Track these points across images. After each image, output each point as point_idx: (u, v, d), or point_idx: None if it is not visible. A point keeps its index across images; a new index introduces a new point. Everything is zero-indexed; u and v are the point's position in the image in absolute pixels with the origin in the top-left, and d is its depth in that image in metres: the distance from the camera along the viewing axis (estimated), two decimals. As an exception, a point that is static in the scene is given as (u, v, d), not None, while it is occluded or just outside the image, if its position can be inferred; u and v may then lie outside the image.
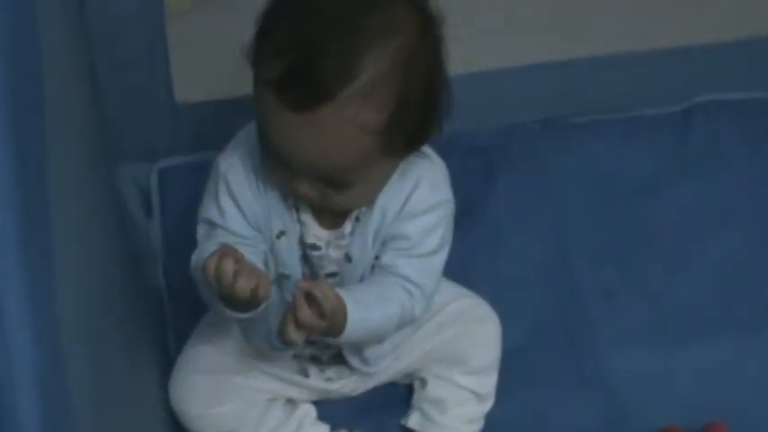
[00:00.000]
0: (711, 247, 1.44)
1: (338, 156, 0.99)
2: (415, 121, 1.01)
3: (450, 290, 1.27)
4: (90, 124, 1.12)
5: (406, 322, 1.14)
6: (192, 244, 1.38)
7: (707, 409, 1.31)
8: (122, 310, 1.12)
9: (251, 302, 1.01)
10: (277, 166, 1.03)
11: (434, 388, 1.28)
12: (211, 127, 1.45)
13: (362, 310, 1.06)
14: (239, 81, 1.40)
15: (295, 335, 1.00)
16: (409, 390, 1.31)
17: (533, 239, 1.44)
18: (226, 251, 1.00)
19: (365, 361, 1.22)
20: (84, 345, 0.84)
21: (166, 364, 1.29)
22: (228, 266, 0.99)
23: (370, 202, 1.08)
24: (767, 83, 1.56)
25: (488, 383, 1.28)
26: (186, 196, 1.43)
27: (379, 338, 1.17)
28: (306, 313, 0.99)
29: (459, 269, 1.20)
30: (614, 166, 1.50)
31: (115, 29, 1.33)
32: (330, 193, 1.03)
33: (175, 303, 1.37)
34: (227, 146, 1.12)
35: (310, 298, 1.00)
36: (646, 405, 1.32)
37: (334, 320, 1.02)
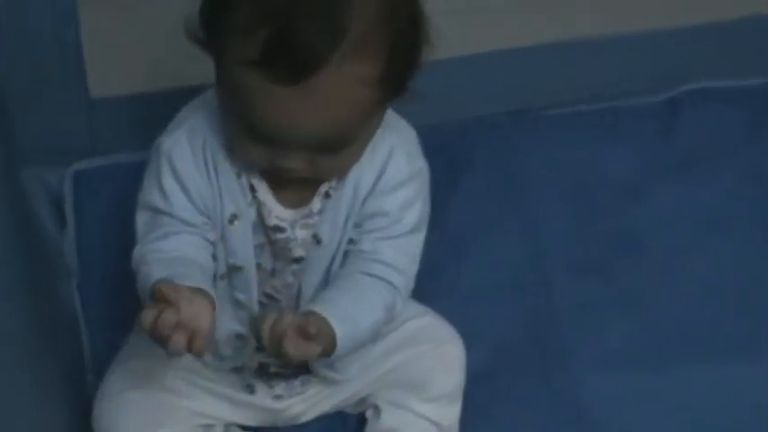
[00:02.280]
0: (701, 256, 1.47)
1: (341, 118, 1.05)
2: (407, 61, 1.07)
3: (409, 306, 1.28)
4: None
5: (388, 323, 1.19)
6: (111, 256, 1.42)
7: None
8: (24, 332, 1.13)
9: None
10: (258, 146, 1.07)
11: (389, 417, 1.30)
12: (133, 125, 1.48)
13: (351, 324, 1.11)
14: (163, 72, 1.43)
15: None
16: (360, 420, 1.33)
17: (501, 249, 1.47)
18: (166, 302, 1.03)
19: (332, 367, 1.25)
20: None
21: (79, 388, 1.32)
22: (168, 322, 1.02)
23: (358, 159, 1.12)
24: (764, 68, 1.60)
25: (450, 413, 1.30)
26: (104, 203, 1.46)
27: (364, 347, 1.21)
28: (296, 346, 1.04)
29: (418, 283, 1.23)
30: (592, 164, 1.53)
31: (22, 13, 1.35)
32: (323, 158, 1.08)
33: (91, 322, 1.39)
34: (169, 126, 1.16)
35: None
36: (628, 436, 1.34)
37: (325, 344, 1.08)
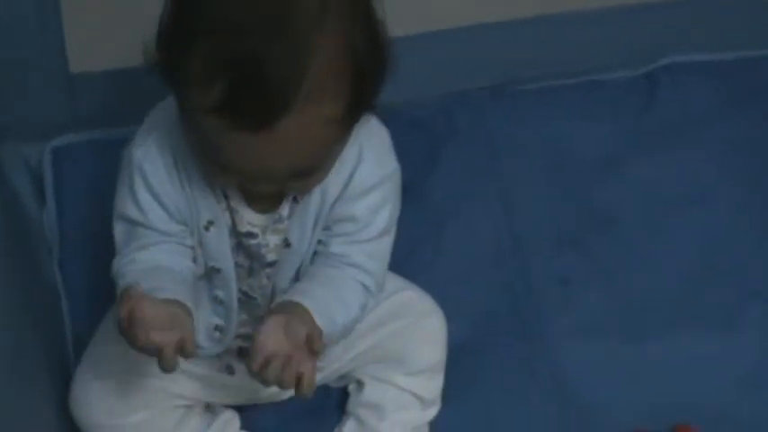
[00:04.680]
0: (676, 229, 1.50)
1: (309, 154, 1.05)
2: (370, 90, 1.06)
3: (390, 281, 1.30)
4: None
5: (361, 320, 1.21)
6: (92, 232, 1.43)
7: (674, 409, 1.38)
8: (4, 308, 1.15)
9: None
10: (225, 174, 1.08)
11: (372, 391, 1.33)
12: (112, 100, 1.49)
13: (329, 322, 1.12)
14: (145, 47, 1.43)
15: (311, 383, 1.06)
16: (344, 394, 1.36)
17: (481, 223, 1.50)
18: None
19: None
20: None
21: (63, 368, 1.34)
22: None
23: (326, 177, 1.12)
24: (741, 41, 1.63)
25: (433, 386, 1.34)
26: (85, 179, 1.48)
27: (336, 343, 1.23)
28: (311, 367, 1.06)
29: (398, 258, 1.25)
30: (570, 139, 1.56)
31: (1, -13, 1.36)
32: (292, 182, 1.09)
33: (73, 300, 1.41)
34: (137, 132, 1.16)
35: None
36: (608, 406, 1.38)
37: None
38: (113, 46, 1.43)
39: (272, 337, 1.07)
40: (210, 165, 1.08)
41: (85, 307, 1.39)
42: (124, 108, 1.46)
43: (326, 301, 1.13)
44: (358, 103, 1.05)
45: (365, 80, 1.05)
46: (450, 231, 1.49)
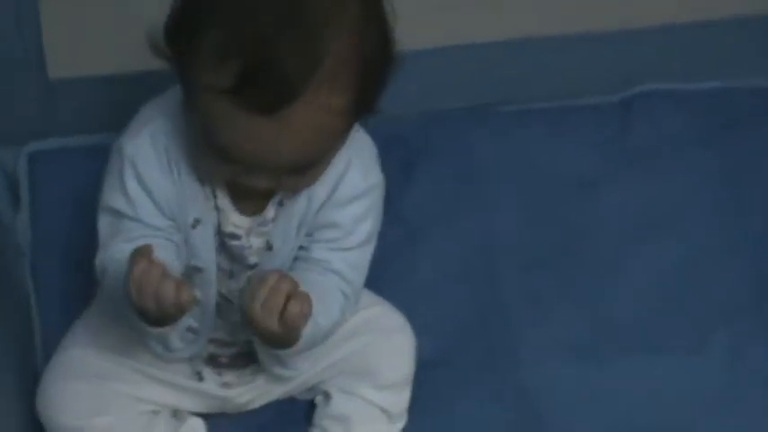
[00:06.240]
0: (650, 252, 1.52)
1: (310, 146, 1.07)
2: (377, 86, 1.10)
3: (361, 295, 1.31)
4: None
5: (338, 327, 1.23)
6: (66, 237, 1.45)
7: (643, 429, 1.40)
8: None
9: (171, 314, 1.06)
10: (222, 164, 1.09)
11: (339, 403, 1.34)
12: (90, 106, 1.51)
13: (312, 323, 1.12)
14: (123, 55, 1.45)
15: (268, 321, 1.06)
16: (311, 406, 1.38)
17: (454, 240, 1.52)
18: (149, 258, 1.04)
19: (284, 365, 1.28)
20: None
21: (31, 370, 1.35)
22: (156, 273, 1.04)
23: (321, 176, 1.15)
24: (716, 71, 1.66)
25: (400, 401, 1.35)
26: (60, 185, 1.50)
27: (314, 347, 1.24)
28: (297, 310, 1.06)
29: (370, 272, 1.26)
30: (545, 160, 1.59)
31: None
32: (287, 179, 1.11)
33: (44, 304, 1.43)
34: (129, 126, 1.17)
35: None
36: (573, 425, 1.40)
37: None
38: (92, 52, 1.45)
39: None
40: (210, 155, 1.09)
41: (56, 311, 1.40)
42: (101, 114, 1.48)
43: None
44: (363, 100, 1.08)
45: (372, 77, 1.08)
46: (422, 247, 1.51)
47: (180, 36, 1.07)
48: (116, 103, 1.37)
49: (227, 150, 1.07)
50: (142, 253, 1.05)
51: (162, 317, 1.06)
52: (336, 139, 1.10)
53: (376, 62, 1.08)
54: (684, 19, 1.60)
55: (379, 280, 1.36)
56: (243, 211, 1.18)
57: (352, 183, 1.18)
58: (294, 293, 1.07)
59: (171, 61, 1.09)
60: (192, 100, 1.09)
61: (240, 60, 1.02)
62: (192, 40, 1.05)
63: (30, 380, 1.32)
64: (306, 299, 1.07)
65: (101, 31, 1.44)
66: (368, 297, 1.35)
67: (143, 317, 1.08)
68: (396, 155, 1.55)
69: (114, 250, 1.14)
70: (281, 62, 1.02)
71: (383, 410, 1.34)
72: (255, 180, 1.10)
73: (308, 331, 1.12)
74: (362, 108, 1.10)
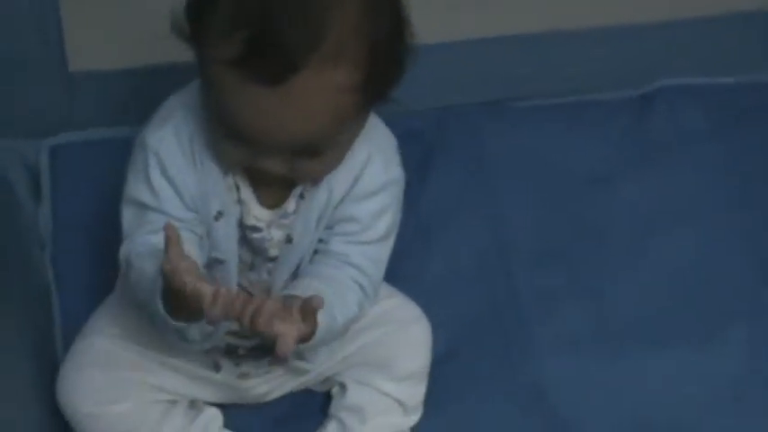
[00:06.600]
0: (663, 247, 1.54)
1: (318, 123, 1.08)
2: (388, 66, 1.10)
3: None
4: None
5: (357, 321, 1.24)
6: (86, 229, 1.46)
7: (654, 424, 1.41)
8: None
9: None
10: (237, 145, 1.10)
11: (355, 394, 1.35)
12: (111, 99, 1.52)
13: (329, 317, 1.15)
14: (143, 48, 1.46)
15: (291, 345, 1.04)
16: (326, 398, 1.39)
17: (469, 235, 1.53)
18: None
19: (300, 356, 1.29)
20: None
21: (50, 359, 1.37)
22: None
23: (338, 165, 1.15)
24: (730, 67, 1.67)
25: (416, 393, 1.37)
26: (80, 177, 1.51)
27: (332, 341, 1.25)
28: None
29: (386, 265, 1.26)
30: (559, 156, 1.60)
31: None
32: (301, 162, 1.11)
33: (64, 295, 1.45)
34: (152, 119, 1.19)
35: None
36: (587, 419, 1.42)
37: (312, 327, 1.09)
38: (113, 45, 1.46)
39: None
40: (225, 137, 1.10)
41: (76, 301, 1.42)
42: (122, 107, 1.50)
43: (327, 298, 1.13)
44: (374, 81, 1.08)
45: (383, 57, 1.08)
46: (437, 242, 1.52)
47: (196, 11, 1.09)
48: (136, 96, 1.38)
49: (237, 127, 1.08)
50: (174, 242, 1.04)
51: (188, 309, 1.05)
52: (345, 119, 1.10)
53: (387, 41, 1.08)
54: (697, 14, 1.61)
55: (393, 274, 1.36)
56: (264, 203, 1.19)
57: (373, 177, 1.19)
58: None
59: (190, 40, 1.10)
60: (205, 75, 1.10)
61: (246, 31, 1.04)
62: (205, 15, 1.07)
63: (49, 368, 1.34)
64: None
65: (121, 24, 1.44)
66: (384, 289, 1.35)
67: (169, 306, 1.08)
68: (410, 150, 1.55)
69: (138, 242, 1.16)
70: (285, 33, 1.03)
71: (399, 402, 1.35)
72: (268, 163, 1.11)
73: (323, 326, 1.12)
74: (374, 90, 1.09)
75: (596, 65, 1.63)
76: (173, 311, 1.09)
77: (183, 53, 1.15)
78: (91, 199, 1.47)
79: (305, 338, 1.10)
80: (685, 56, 1.65)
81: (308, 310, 1.05)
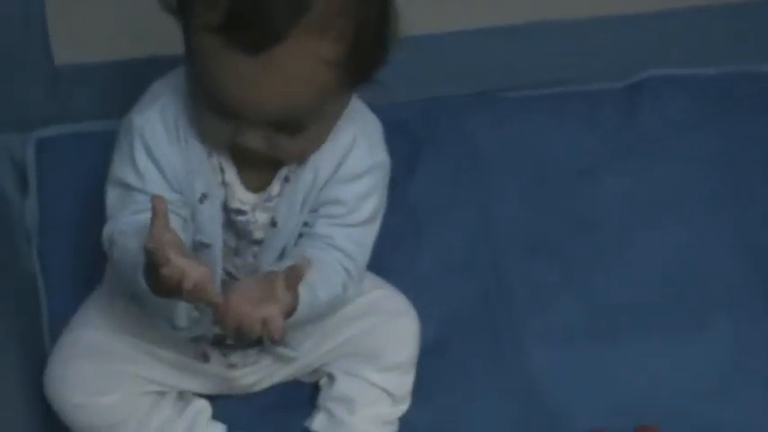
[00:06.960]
0: (653, 238, 1.54)
1: (299, 96, 1.08)
2: (373, 44, 1.10)
3: (365, 279, 1.33)
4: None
5: (342, 305, 1.25)
6: (73, 222, 1.46)
7: (640, 412, 1.42)
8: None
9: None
10: (219, 120, 1.11)
11: (343, 385, 1.36)
12: (97, 92, 1.52)
13: (310, 293, 1.15)
14: (129, 41, 1.46)
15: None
16: (315, 389, 1.40)
17: (458, 226, 1.54)
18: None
19: (287, 344, 1.30)
20: None
21: (38, 351, 1.37)
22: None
23: (320, 144, 1.16)
24: (718, 57, 1.67)
25: (404, 383, 1.37)
26: (67, 171, 1.52)
27: (316, 322, 1.26)
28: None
29: (374, 258, 1.28)
30: (549, 147, 1.60)
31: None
32: (281, 139, 1.11)
33: (51, 288, 1.45)
34: (139, 101, 1.19)
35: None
36: (575, 408, 1.42)
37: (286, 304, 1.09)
38: (98, 38, 1.46)
39: (243, 286, 1.08)
40: (204, 106, 1.10)
41: (63, 294, 1.42)
42: (108, 100, 1.50)
43: (310, 274, 1.13)
44: (358, 57, 1.08)
45: (368, 32, 1.08)
46: (426, 233, 1.53)
47: None
48: (122, 89, 1.37)
49: (219, 97, 1.08)
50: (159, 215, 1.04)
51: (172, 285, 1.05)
52: (327, 93, 1.09)
53: (374, 22, 1.08)
54: (686, 4, 1.61)
55: (384, 267, 1.38)
56: (249, 186, 1.19)
57: (358, 159, 1.20)
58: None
59: (176, 12, 1.10)
60: (189, 44, 1.10)
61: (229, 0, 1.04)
62: None
63: (36, 360, 1.34)
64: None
65: (107, 17, 1.45)
66: (372, 280, 1.36)
67: (155, 284, 1.08)
68: (399, 141, 1.55)
69: (122, 221, 1.16)
70: (268, 3, 1.03)
71: (387, 392, 1.36)
72: (250, 138, 1.10)
73: (305, 300, 1.13)
74: (357, 68, 1.09)
75: (585, 55, 1.63)
76: (155, 288, 1.08)
77: (169, 45, 1.17)
78: (78, 192, 1.47)
79: (288, 313, 1.10)
80: (675, 46, 1.65)
81: (293, 280, 1.06)
